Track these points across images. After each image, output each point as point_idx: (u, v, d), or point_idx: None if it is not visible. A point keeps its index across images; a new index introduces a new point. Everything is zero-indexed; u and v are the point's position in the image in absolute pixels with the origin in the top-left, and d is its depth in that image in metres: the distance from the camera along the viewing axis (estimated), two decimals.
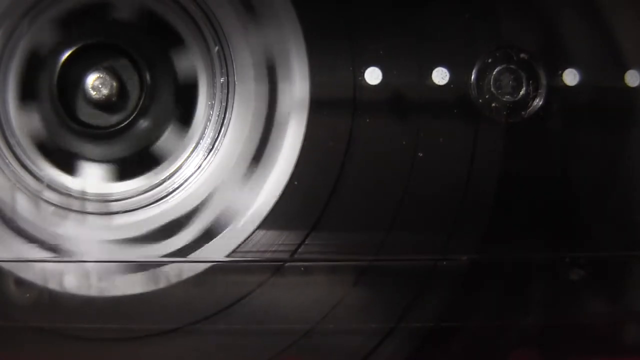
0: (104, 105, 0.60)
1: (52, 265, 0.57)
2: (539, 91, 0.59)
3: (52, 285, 0.57)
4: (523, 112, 0.59)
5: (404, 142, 0.58)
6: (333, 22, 0.59)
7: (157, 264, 0.58)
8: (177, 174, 0.60)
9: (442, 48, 0.59)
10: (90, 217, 0.59)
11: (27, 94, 0.59)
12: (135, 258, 0.58)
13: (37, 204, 0.58)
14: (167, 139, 0.60)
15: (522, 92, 0.59)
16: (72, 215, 0.58)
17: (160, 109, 0.60)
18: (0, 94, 0.59)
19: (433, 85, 0.59)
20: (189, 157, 0.60)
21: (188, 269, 0.58)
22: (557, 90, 0.59)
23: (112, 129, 0.60)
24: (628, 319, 0.60)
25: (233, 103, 0.59)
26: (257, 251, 0.58)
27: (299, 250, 0.58)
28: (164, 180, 0.60)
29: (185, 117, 0.60)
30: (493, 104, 0.59)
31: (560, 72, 0.59)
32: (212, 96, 0.60)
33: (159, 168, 0.60)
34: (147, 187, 0.60)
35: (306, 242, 0.58)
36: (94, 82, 0.59)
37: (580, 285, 0.59)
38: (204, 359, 0.58)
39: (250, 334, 0.58)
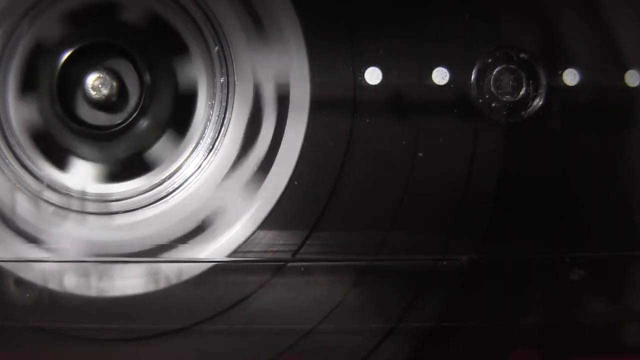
0: (104, 105, 0.60)
1: (52, 265, 0.57)
2: (539, 91, 0.59)
3: (52, 285, 0.57)
4: (523, 112, 0.59)
5: (404, 142, 0.58)
6: (333, 22, 0.59)
7: (157, 264, 0.58)
8: (177, 174, 0.60)
9: (442, 48, 0.59)
10: (90, 217, 0.59)
11: (27, 93, 0.59)
12: (135, 258, 0.58)
13: (37, 204, 0.58)
14: (167, 139, 0.60)
15: (522, 92, 0.59)
16: (72, 215, 0.58)
17: (160, 109, 0.60)
18: (0, 94, 0.59)
19: (433, 85, 0.59)
20: (188, 157, 0.60)
21: (188, 269, 0.58)
22: (557, 90, 0.59)
23: (112, 129, 0.60)
24: (628, 319, 0.60)
25: (233, 103, 0.59)
26: (258, 251, 0.58)
27: (300, 250, 0.58)
28: (163, 181, 0.60)
29: (185, 118, 0.60)
30: (493, 104, 0.59)
31: (560, 72, 0.59)
32: (212, 96, 0.60)
33: (159, 168, 0.60)
34: (147, 187, 0.59)
35: (306, 242, 0.58)
36: (94, 82, 0.59)
37: (580, 285, 0.59)
38: None
39: (251, 334, 0.58)
